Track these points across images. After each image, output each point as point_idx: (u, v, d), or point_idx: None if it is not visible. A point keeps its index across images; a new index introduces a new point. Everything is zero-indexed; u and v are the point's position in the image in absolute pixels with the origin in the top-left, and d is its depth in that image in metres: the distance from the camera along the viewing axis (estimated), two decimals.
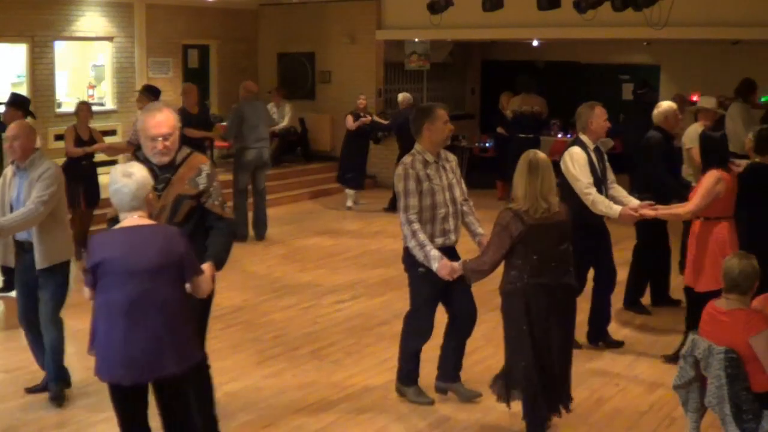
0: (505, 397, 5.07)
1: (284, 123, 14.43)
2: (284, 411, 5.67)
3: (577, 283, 5.47)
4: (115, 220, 4.23)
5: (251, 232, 10.79)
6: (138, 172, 4.01)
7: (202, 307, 4.60)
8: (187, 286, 4.09)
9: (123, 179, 3.96)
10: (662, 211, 6.32)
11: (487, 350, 6.66)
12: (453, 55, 17.12)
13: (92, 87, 14.24)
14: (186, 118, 10.34)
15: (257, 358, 6.66)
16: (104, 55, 14.21)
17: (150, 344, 3.88)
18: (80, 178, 9.29)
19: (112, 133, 13.47)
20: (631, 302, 7.82)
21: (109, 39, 13.96)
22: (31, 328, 5.81)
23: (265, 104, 11.90)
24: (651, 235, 7.67)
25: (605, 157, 6.62)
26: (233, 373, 6.30)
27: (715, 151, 6.17)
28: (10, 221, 5.41)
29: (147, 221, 4.02)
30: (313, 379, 6.24)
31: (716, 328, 4.55)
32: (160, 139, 4.46)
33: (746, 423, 4.42)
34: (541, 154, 4.96)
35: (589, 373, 6.32)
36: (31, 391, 5.87)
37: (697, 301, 5.68)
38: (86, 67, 14.52)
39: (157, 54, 14.52)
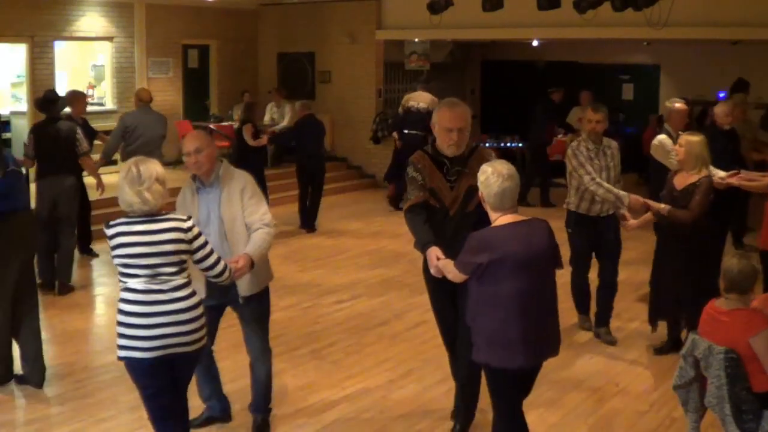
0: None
1: (284, 123, 14.42)
2: (284, 411, 5.67)
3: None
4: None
5: None
6: (514, 172, 4.20)
7: None
8: None
9: (506, 183, 4.14)
10: (748, 183, 7.17)
11: None
12: (453, 55, 17.14)
13: (92, 87, 14.26)
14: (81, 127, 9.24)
15: None
16: (104, 55, 14.23)
17: (543, 331, 4.21)
18: None
19: None
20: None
21: (109, 39, 13.97)
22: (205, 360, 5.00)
23: (159, 115, 10.27)
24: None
25: None
26: (233, 373, 6.30)
27: None
28: (259, 250, 4.69)
29: (524, 217, 4.25)
30: (313, 379, 6.24)
31: (716, 328, 4.55)
32: (456, 131, 4.73)
33: (746, 423, 4.42)
34: None
35: (589, 373, 6.33)
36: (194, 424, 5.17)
37: None
38: (86, 67, 14.55)
39: (157, 54, 14.53)
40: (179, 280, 4.13)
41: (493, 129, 16.51)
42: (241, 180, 4.85)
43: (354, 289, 8.67)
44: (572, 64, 16.42)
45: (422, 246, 4.69)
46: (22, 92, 13.38)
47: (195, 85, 15.43)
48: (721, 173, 7.15)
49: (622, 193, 6.65)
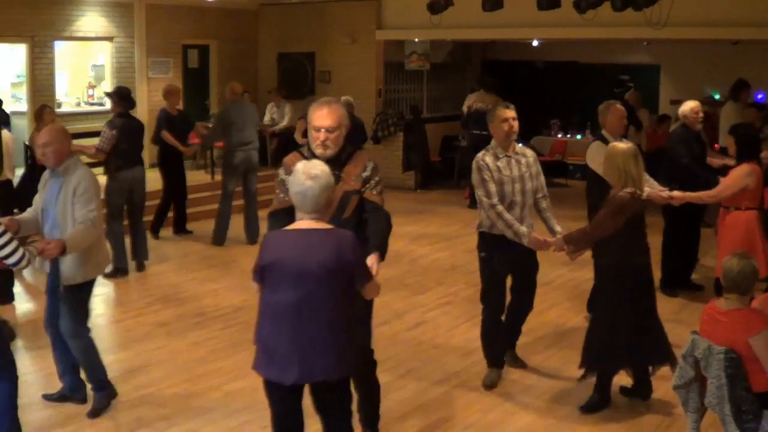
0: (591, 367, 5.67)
1: (284, 123, 14.44)
2: None
3: None
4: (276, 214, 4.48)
5: (244, 235, 10.62)
6: (323, 175, 3.94)
7: (367, 307, 4.68)
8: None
9: (308, 182, 3.91)
10: (689, 194, 6.83)
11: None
12: (453, 55, 17.13)
13: (92, 87, 14.25)
14: (167, 120, 10.53)
15: None
16: (104, 55, 14.22)
17: (312, 347, 3.90)
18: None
19: None
20: (666, 284, 8.15)
21: (109, 39, 13.96)
22: (55, 336, 5.66)
23: (252, 105, 11.23)
24: (680, 219, 8.00)
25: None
26: (233, 373, 6.31)
27: (749, 145, 6.77)
28: (73, 240, 5.19)
29: (322, 225, 3.98)
30: None
31: (716, 328, 4.55)
32: (323, 130, 4.49)
33: (746, 423, 4.42)
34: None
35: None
36: (48, 398, 5.78)
37: None
38: (86, 67, 14.54)
39: (157, 54, 14.52)
40: None
41: None
42: (78, 177, 5.35)
43: None
44: (572, 64, 16.41)
45: None
46: (22, 92, 13.38)
47: (195, 85, 15.43)
48: (659, 189, 6.71)
49: (521, 229, 5.70)
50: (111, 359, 6.67)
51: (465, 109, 13.38)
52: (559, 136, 15.68)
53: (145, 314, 7.84)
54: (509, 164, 5.86)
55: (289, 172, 4.45)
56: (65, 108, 13.53)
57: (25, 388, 6.00)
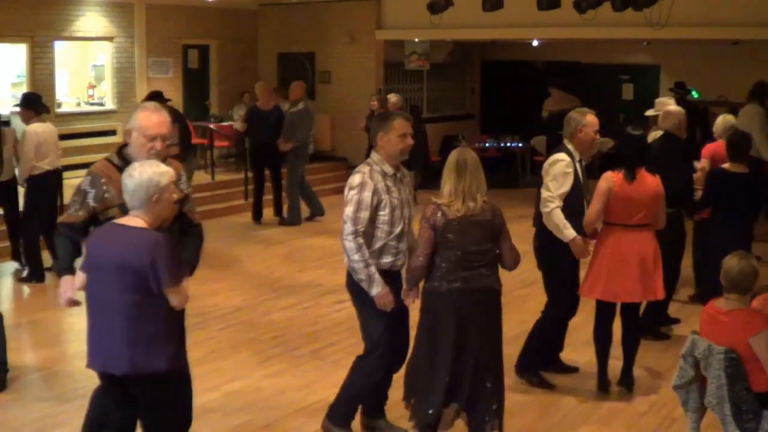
0: (408, 397, 5.10)
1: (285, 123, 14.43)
2: (284, 411, 5.67)
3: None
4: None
5: (241, 234, 11.36)
6: (138, 175, 3.91)
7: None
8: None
9: (125, 179, 3.95)
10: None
11: None
12: (453, 55, 17.14)
13: (92, 87, 14.25)
14: (253, 114, 11.65)
15: (257, 358, 6.66)
16: (104, 55, 14.22)
17: (101, 339, 3.98)
18: None
19: (112, 133, 13.48)
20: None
21: (109, 39, 13.97)
22: None
23: (309, 107, 12.43)
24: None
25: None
26: (233, 373, 6.31)
27: (628, 152, 5.80)
28: None
29: (136, 222, 3.94)
30: (313, 379, 6.24)
31: (716, 328, 4.54)
32: (159, 139, 4.31)
33: (746, 423, 4.42)
34: (471, 153, 4.89)
35: (589, 373, 6.32)
36: None
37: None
38: (86, 67, 14.54)
39: (157, 54, 14.52)
40: None
41: (493, 129, 16.51)
42: None
43: None
44: (572, 64, 16.41)
45: (58, 271, 4.32)
46: (22, 92, 13.37)
47: (195, 85, 15.44)
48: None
49: (375, 277, 4.79)
50: None
51: (546, 113, 13.71)
52: None
53: None
54: (396, 184, 4.95)
55: (96, 183, 4.31)
56: (65, 108, 13.53)
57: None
